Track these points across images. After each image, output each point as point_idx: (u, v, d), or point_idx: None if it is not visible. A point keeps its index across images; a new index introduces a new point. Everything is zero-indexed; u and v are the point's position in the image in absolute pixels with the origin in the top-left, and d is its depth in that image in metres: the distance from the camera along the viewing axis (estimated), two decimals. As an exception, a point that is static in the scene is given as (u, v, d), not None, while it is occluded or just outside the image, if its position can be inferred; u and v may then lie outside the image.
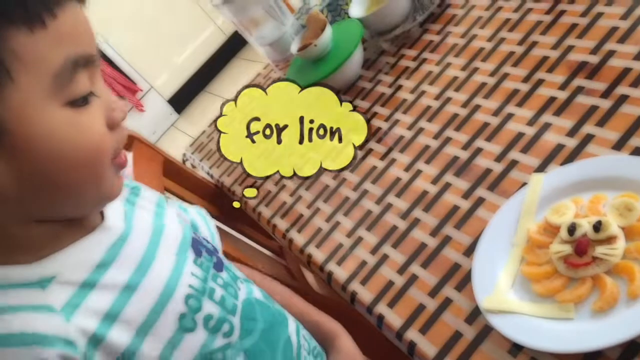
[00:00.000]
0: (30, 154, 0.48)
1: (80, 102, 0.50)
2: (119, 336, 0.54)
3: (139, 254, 0.59)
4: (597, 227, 0.65)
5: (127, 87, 3.84)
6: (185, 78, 4.07)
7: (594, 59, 0.86)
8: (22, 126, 0.47)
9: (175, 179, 1.28)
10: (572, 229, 0.67)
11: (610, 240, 0.64)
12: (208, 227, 0.75)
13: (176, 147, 1.61)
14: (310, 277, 1.26)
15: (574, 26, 0.93)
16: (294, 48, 1.25)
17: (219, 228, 1.30)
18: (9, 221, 0.52)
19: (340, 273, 0.90)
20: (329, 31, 1.21)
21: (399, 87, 1.14)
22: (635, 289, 0.60)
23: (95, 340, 0.52)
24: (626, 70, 0.81)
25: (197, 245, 0.66)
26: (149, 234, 0.62)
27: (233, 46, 4.05)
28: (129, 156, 1.17)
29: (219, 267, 0.66)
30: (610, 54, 0.85)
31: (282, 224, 1.08)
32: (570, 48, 0.91)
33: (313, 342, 0.76)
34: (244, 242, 1.33)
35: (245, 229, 1.37)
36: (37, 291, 0.51)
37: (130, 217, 0.62)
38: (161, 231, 0.63)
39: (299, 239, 1.02)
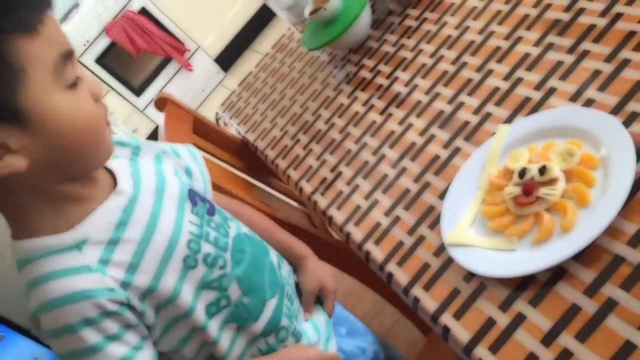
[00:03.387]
0: (49, 129, 0.62)
1: (73, 85, 0.65)
2: (141, 280, 0.71)
3: (148, 213, 0.74)
4: (542, 170, 0.74)
5: (175, 47, 4.00)
6: (230, 37, 4.19)
7: (566, 17, 0.93)
8: (40, 108, 0.61)
9: (205, 135, 1.42)
10: (522, 173, 0.76)
11: (552, 182, 0.74)
12: (199, 168, 0.89)
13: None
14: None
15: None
16: (306, 12, 1.35)
17: (244, 180, 1.44)
18: (48, 184, 0.67)
19: (338, 216, 1.02)
20: (337, -5, 1.30)
21: (401, 46, 1.22)
22: (566, 223, 0.70)
23: (125, 285, 0.69)
24: (591, 27, 0.88)
25: (193, 196, 0.80)
26: (153, 193, 0.76)
27: (275, 3, 4.13)
28: (161, 116, 1.32)
29: (211, 211, 0.81)
30: (580, 11, 0.91)
31: (294, 174, 1.20)
32: (548, 6, 0.97)
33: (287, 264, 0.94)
34: (266, 191, 1.46)
35: (270, 179, 1.51)
36: (75, 254, 0.67)
37: (137, 178, 0.76)
38: (163, 188, 0.77)
39: (307, 187, 1.14)
